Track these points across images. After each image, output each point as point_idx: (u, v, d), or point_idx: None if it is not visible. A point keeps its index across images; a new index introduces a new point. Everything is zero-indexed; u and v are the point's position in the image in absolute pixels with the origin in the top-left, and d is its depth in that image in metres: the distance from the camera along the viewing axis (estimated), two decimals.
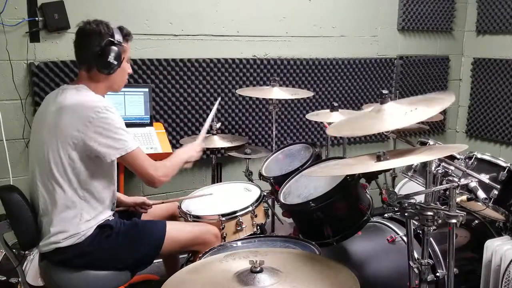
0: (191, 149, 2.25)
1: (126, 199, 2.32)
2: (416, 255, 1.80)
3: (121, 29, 2.01)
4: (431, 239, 1.84)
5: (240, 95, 3.30)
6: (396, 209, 2.51)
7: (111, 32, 1.96)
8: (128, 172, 2.22)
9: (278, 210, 2.46)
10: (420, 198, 1.74)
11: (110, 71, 1.96)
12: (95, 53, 1.92)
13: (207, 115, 3.26)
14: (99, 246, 1.92)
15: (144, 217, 2.30)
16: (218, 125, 3.07)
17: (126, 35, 2.03)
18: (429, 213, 1.64)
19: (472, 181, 2.08)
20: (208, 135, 3.10)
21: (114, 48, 1.94)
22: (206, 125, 2.44)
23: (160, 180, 2.00)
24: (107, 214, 2.00)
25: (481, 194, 2.08)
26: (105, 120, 1.85)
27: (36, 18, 2.72)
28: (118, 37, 1.97)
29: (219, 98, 2.90)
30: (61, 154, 1.86)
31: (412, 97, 1.93)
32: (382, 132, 2.68)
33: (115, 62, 1.95)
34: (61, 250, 1.89)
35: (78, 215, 1.90)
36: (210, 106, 3.28)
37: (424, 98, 1.76)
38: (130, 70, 2.11)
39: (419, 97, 1.81)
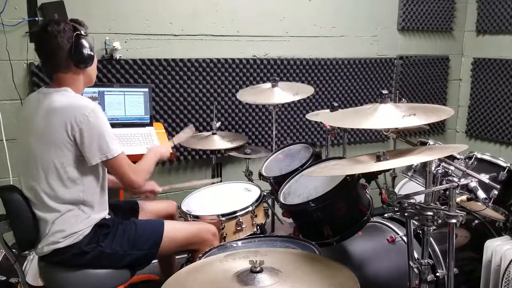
0: (164, 148, 2.32)
1: None
2: (416, 255, 1.80)
3: (78, 22, 1.97)
4: (431, 239, 1.84)
5: None
6: (396, 209, 2.51)
7: (72, 26, 1.92)
8: None
9: (278, 210, 2.45)
10: (420, 198, 1.74)
11: (88, 63, 1.95)
12: (68, 50, 1.89)
13: (207, 115, 3.28)
14: (98, 245, 1.92)
15: (142, 216, 2.30)
16: (218, 124, 3.07)
17: (84, 25, 1.99)
18: (429, 213, 1.64)
19: (472, 181, 2.08)
20: (208, 135, 3.11)
21: (85, 39, 1.92)
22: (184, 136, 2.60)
23: (139, 185, 2.03)
24: (103, 213, 2.00)
25: (481, 194, 2.07)
26: (94, 123, 1.83)
27: (36, 18, 2.72)
28: (81, 28, 1.94)
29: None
30: (53, 158, 1.84)
31: (413, 103, 1.97)
32: (382, 132, 2.68)
33: (92, 53, 1.95)
34: (60, 251, 1.88)
35: (74, 215, 1.89)
36: (210, 106, 3.28)
37: (425, 107, 1.79)
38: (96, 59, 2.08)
39: (420, 105, 1.84)
